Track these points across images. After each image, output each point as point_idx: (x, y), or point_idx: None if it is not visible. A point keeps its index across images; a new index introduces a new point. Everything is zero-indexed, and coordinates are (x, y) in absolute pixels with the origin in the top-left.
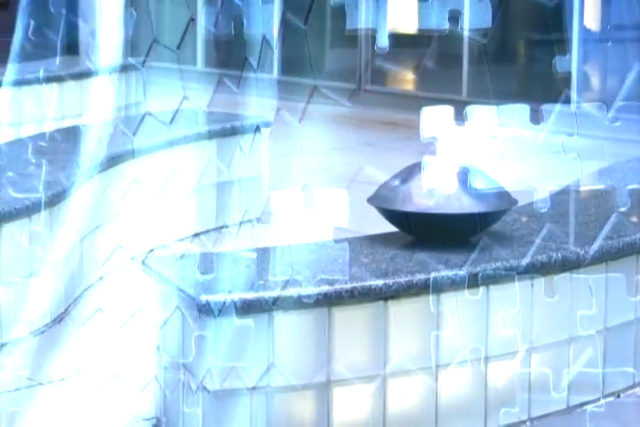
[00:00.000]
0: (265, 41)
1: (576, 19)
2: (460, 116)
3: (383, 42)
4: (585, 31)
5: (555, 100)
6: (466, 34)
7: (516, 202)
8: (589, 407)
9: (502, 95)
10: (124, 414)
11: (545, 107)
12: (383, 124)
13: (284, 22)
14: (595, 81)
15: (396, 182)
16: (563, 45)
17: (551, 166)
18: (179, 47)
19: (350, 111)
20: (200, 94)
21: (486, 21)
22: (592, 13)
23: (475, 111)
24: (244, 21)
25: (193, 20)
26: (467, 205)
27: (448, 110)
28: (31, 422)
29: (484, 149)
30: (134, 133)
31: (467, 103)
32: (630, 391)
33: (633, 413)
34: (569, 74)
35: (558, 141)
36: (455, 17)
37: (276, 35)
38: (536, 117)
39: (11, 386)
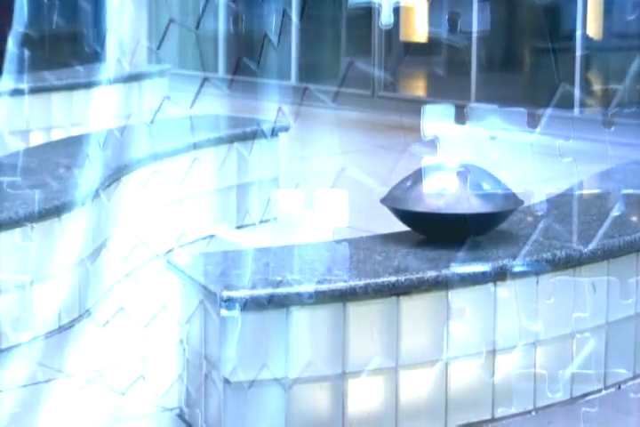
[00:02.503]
0: None
1: (578, 27)
2: (467, 121)
3: (387, 19)
4: (587, 39)
5: (558, 106)
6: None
7: (521, 202)
8: (591, 398)
9: (509, 100)
10: (149, 405)
11: (547, 111)
12: (396, 128)
13: None
14: (596, 87)
15: (408, 184)
16: (566, 53)
17: (550, 169)
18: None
19: (364, 116)
20: None
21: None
22: (594, 22)
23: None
24: None
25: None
26: (475, 206)
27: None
28: (58, 413)
29: (484, 152)
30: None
31: (475, 108)
32: (631, 383)
33: (633, 403)
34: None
35: (556, 144)
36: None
37: None
38: (537, 121)
39: (39, 379)
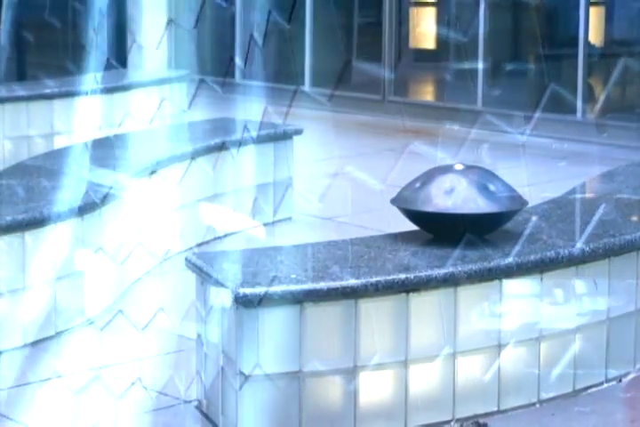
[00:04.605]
0: None
1: (581, 35)
2: (474, 125)
3: None
4: (589, 46)
5: (560, 110)
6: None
7: (526, 203)
8: (593, 391)
9: (513, 105)
10: (169, 398)
11: (549, 115)
12: (405, 131)
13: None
14: (598, 92)
15: (417, 185)
16: (568, 59)
17: (549, 170)
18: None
19: (375, 120)
20: None
21: None
22: (596, 29)
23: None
24: None
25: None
26: (481, 206)
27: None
28: (81, 406)
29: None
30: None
31: (481, 112)
32: (631, 377)
33: (633, 397)
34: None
35: (556, 147)
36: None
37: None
38: (540, 125)
39: (65, 372)
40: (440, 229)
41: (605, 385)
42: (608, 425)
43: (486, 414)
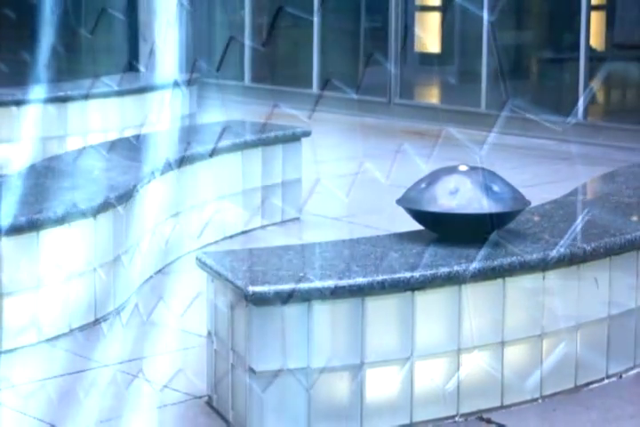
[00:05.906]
0: None
1: (583, 39)
2: (478, 127)
3: None
4: (590, 50)
5: (562, 112)
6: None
7: (529, 203)
8: (594, 387)
9: (517, 107)
10: (179, 393)
11: (551, 117)
12: (411, 133)
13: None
14: (599, 95)
15: (423, 185)
16: (570, 63)
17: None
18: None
19: (381, 122)
20: None
21: None
22: (597, 34)
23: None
24: None
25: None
26: (485, 206)
27: None
28: (93, 401)
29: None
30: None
31: (485, 115)
32: (631, 372)
33: (633, 392)
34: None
35: (556, 148)
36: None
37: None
38: (541, 126)
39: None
40: (445, 229)
41: (606, 381)
42: (608, 421)
43: (490, 410)
